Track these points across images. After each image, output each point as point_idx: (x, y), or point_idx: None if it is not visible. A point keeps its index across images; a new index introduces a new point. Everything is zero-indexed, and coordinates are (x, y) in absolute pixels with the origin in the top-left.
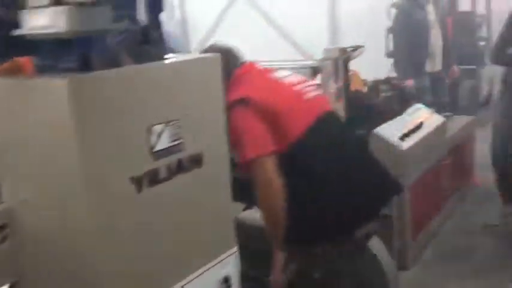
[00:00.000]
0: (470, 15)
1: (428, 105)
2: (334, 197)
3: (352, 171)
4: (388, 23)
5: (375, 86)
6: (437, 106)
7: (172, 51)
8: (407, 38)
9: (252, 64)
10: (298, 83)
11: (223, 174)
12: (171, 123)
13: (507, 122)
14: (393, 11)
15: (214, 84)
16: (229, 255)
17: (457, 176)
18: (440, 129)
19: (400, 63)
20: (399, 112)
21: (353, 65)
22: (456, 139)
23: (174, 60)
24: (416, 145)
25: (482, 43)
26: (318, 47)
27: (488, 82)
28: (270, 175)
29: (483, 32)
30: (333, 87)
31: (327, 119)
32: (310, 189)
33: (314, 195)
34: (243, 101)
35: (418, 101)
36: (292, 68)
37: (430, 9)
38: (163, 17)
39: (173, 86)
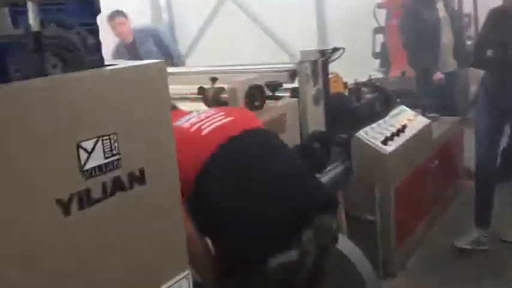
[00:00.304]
0: (457, 13)
1: (413, 106)
2: (237, 228)
3: (265, 194)
4: (374, 23)
5: (357, 88)
6: (423, 107)
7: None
8: (417, 36)
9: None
10: (198, 122)
11: (172, 191)
12: (105, 138)
13: (483, 125)
14: (377, 11)
15: (159, 94)
16: (180, 279)
17: (445, 179)
18: (425, 131)
19: (415, 61)
20: (382, 115)
21: (338, 67)
22: (443, 141)
23: (111, 68)
24: (400, 148)
25: (469, 42)
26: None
27: (477, 82)
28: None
29: (470, 32)
30: (311, 90)
31: (234, 143)
32: (215, 225)
33: (218, 230)
34: None
35: (403, 103)
36: (269, 71)
37: (440, 6)
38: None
39: (109, 97)
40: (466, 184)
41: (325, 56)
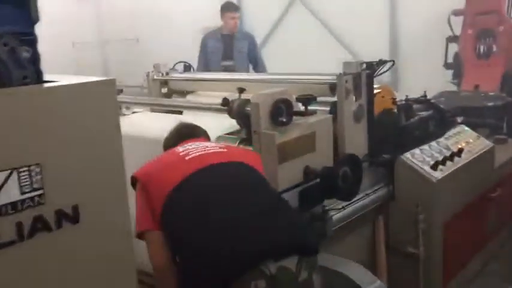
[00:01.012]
0: None
1: (480, 126)
2: (190, 261)
3: (228, 231)
4: (448, 32)
5: (407, 105)
6: (492, 128)
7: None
8: None
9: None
10: (190, 151)
11: (117, 229)
12: (23, 170)
13: None
14: (453, 19)
15: (104, 116)
16: None
17: (508, 211)
18: (486, 156)
19: None
20: (437, 136)
21: (407, 77)
22: (508, 168)
23: (45, 85)
24: (452, 175)
25: None
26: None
27: None
28: (152, 250)
29: None
30: (352, 106)
31: (205, 173)
32: (180, 256)
33: (182, 261)
34: (132, 180)
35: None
36: (309, 83)
37: None
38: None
39: (35, 119)
40: None
41: (371, 68)
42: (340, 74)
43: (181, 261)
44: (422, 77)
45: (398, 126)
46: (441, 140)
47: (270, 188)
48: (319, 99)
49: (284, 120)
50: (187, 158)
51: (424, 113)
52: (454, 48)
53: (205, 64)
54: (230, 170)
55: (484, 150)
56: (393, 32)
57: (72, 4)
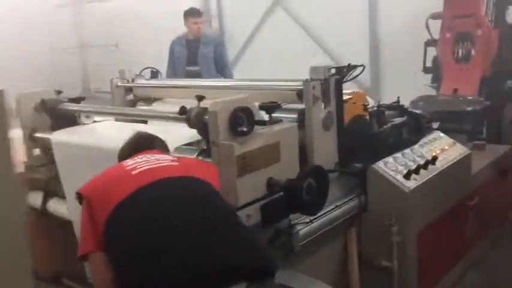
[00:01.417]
0: None
1: (454, 132)
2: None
3: (174, 250)
4: (427, 35)
5: (378, 112)
6: (469, 133)
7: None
8: None
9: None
10: (140, 164)
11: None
12: None
13: None
14: (433, 22)
15: None
16: None
17: (487, 218)
18: (462, 164)
19: None
20: (412, 143)
21: (388, 82)
22: (487, 174)
23: None
24: (426, 184)
25: None
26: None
27: None
28: (95, 272)
29: None
30: (320, 113)
31: (153, 189)
32: (120, 277)
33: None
34: (78, 196)
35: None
36: (275, 90)
37: None
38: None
39: None
40: None
41: (341, 73)
42: (306, 80)
43: (124, 280)
44: (404, 81)
45: (370, 134)
46: (415, 147)
47: (220, 204)
48: (288, 106)
49: (245, 129)
50: (134, 172)
51: (398, 120)
52: (433, 52)
53: (173, 70)
54: (179, 185)
55: (460, 157)
56: (373, 36)
57: (51, 9)
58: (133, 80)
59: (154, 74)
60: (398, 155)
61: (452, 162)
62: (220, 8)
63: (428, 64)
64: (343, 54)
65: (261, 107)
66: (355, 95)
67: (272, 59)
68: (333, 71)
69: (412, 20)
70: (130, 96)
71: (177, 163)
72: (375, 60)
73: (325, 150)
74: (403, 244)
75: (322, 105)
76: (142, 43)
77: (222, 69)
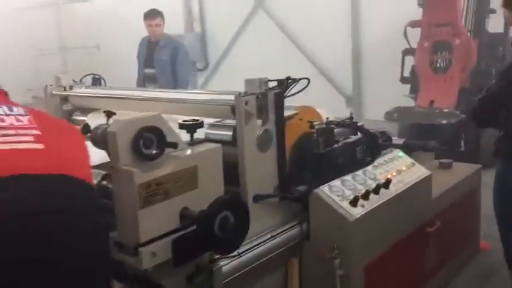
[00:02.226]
0: (502, 37)
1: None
2: None
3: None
4: (404, 44)
5: (326, 129)
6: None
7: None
8: None
9: None
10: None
11: None
12: None
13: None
14: (409, 29)
15: None
16: None
17: (451, 244)
18: (421, 186)
19: None
20: (366, 163)
21: (370, 90)
22: (451, 196)
23: None
24: (375, 211)
25: None
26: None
27: None
28: None
29: None
30: (255, 131)
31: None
32: None
33: None
34: None
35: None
36: (209, 104)
37: None
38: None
39: None
40: (482, 247)
41: (282, 86)
42: (239, 94)
43: None
44: (386, 90)
45: (315, 154)
46: (369, 168)
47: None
48: (226, 122)
49: (153, 152)
50: None
51: (350, 138)
52: (411, 61)
53: (138, 71)
54: (47, 196)
55: (418, 180)
56: (356, 43)
57: (33, 10)
58: (71, 88)
59: (97, 81)
60: (348, 177)
61: (408, 186)
62: (202, 10)
63: (407, 74)
64: (326, 62)
65: (181, 126)
66: (303, 110)
67: (255, 62)
68: (270, 84)
69: (395, 29)
70: (68, 106)
71: (41, 144)
72: (356, 68)
73: (261, 174)
74: (348, 278)
75: (260, 122)
76: (123, 44)
77: (175, 75)
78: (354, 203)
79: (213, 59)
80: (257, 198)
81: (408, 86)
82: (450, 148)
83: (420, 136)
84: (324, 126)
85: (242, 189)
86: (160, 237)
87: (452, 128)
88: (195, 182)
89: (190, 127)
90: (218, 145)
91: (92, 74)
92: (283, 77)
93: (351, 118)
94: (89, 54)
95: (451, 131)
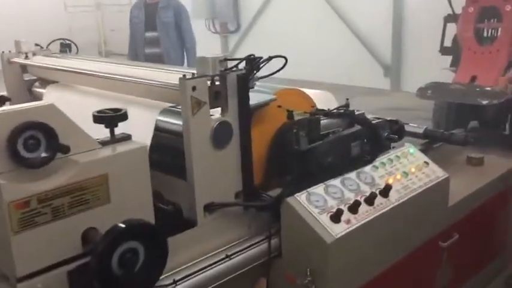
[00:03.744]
0: None
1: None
2: None
3: None
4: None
5: (310, 120)
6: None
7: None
8: None
9: None
10: None
11: None
12: None
13: None
14: None
15: None
16: None
17: (473, 258)
18: (433, 193)
19: None
20: (364, 163)
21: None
22: (475, 201)
23: None
24: (366, 228)
25: None
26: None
27: None
28: None
29: None
30: (207, 123)
31: None
32: None
33: None
34: None
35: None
36: (157, 87)
37: None
38: None
39: None
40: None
41: (247, 68)
42: (183, 76)
43: None
44: (427, 61)
45: (296, 152)
46: (366, 170)
47: None
48: None
49: (42, 156)
50: None
51: (346, 131)
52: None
53: (132, 36)
54: None
55: (431, 184)
56: (397, 7)
57: None
58: (34, 55)
59: (66, 48)
60: (335, 182)
61: (416, 192)
62: None
63: (448, 44)
64: (364, 27)
65: (96, 119)
66: (284, 95)
67: (289, 25)
68: (228, 63)
69: None
70: (29, 76)
71: None
72: (397, 35)
73: (216, 176)
74: None
75: (217, 112)
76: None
77: (182, 37)
78: (336, 217)
79: (245, 21)
80: (210, 208)
81: (450, 57)
82: (490, 135)
83: (458, 117)
84: (308, 116)
85: (189, 197)
86: (52, 268)
87: (496, 110)
88: (105, 195)
89: (109, 120)
90: (143, 145)
91: (61, 38)
92: (319, 41)
93: (347, 106)
94: (123, 12)
95: (494, 113)
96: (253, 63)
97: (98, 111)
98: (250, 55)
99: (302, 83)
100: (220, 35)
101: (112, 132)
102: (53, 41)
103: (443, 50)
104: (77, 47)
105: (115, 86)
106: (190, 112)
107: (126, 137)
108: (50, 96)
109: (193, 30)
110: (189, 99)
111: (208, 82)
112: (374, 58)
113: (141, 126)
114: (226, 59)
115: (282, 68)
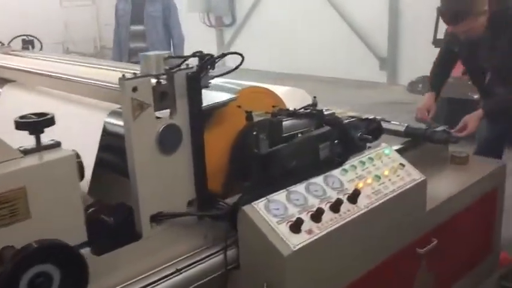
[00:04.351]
0: None
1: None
2: None
3: None
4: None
5: (274, 122)
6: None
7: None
8: None
9: None
10: None
11: None
12: None
13: None
14: None
15: None
16: None
17: (456, 264)
18: (410, 196)
19: None
20: (333, 165)
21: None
22: (457, 204)
23: None
24: (330, 238)
25: None
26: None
27: None
28: None
29: None
30: (153, 127)
31: None
32: None
33: None
34: None
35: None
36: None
37: None
38: None
39: None
40: (502, 261)
41: (203, 64)
42: (122, 76)
43: None
44: (424, 53)
45: (256, 155)
46: (334, 173)
47: None
48: None
49: None
50: None
51: (314, 132)
52: None
53: (116, 29)
54: None
55: (405, 188)
56: (394, 0)
57: None
58: None
59: (28, 44)
60: (299, 187)
61: (389, 197)
62: None
63: (441, 35)
64: (359, 19)
65: (19, 125)
66: (247, 93)
67: (285, 18)
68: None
69: None
70: None
71: None
72: (393, 27)
73: (165, 184)
74: None
75: (165, 115)
76: None
77: (170, 32)
78: (296, 226)
79: (240, 14)
80: (157, 219)
81: None
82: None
83: (451, 113)
84: (269, 117)
85: (133, 206)
86: None
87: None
88: (24, 210)
89: (34, 126)
90: (70, 153)
91: (24, 35)
92: (314, 34)
93: (314, 105)
94: None
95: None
96: (206, 60)
97: (21, 117)
98: (197, 52)
99: (297, 76)
100: (216, 28)
101: (38, 139)
102: (14, 38)
103: (436, 42)
104: (40, 43)
105: (69, 86)
106: (131, 115)
107: (54, 145)
108: (6, 96)
109: (189, 23)
110: (130, 101)
111: (154, 82)
112: (370, 51)
113: (89, 129)
114: (170, 57)
115: (237, 67)
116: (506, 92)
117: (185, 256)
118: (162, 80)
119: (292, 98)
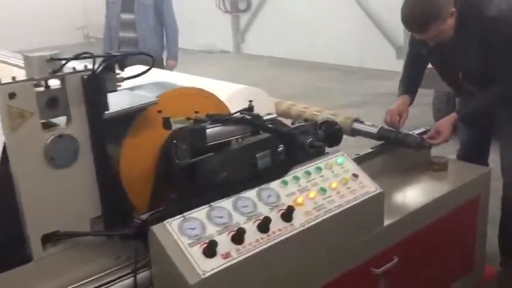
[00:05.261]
0: None
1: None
2: None
3: None
4: None
5: (195, 130)
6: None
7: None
8: None
9: None
10: None
11: None
12: None
13: None
14: None
15: None
16: None
17: (428, 282)
18: (359, 212)
19: None
20: (272, 177)
21: None
22: (428, 216)
23: None
24: (256, 260)
25: None
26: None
27: None
28: None
29: None
30: (39, 139)
31: None
32: None
33: None
34: None
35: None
36: None
37: None
38: None
39: None
40: (487, 275)
41: (104, 67)
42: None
43: None
44: None
45: (177, 167)
46: (272, 186)
47: None
48: None
49: None
50: None
51: (250, 139)
52: None
53: (107, 18)
54: None
55: (354, 203)
56: None
57: None
58: None
59: None
60: (225, 202)
61: (331, 214)
62: None
63: None
64: (376, 5)
65: None
66: (171, 96)
67: (303, 3)
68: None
69: None
70: None
71: None
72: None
73: (60, 201)
74: None
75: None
76: None
77: (162, 20)
78: (211, 250)
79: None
80: (53, 239)
81: None
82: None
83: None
84: (189, 124)
85: (24, 227)
86: None
87: None
88: None
89: None
90: None
91: None
92: (330, 21)
93: (250, 109)
94: None
95: None
96: (108, 61)
97: None
98: (84, 53)
99: (311, 64)
100: (231, 14)
101: None
102: None
103: None
104: None
105: None
106: (8, 125)
107: None
108: None
109: (205, 9)
110: (7, 110)
111: (42, 87)
112: (386, 39)
113: None
114: (53, 59)
115: (147, 71)
116: (480, 93)
117: (89, 280)
118: (52, 85)
119: (246, 98)
